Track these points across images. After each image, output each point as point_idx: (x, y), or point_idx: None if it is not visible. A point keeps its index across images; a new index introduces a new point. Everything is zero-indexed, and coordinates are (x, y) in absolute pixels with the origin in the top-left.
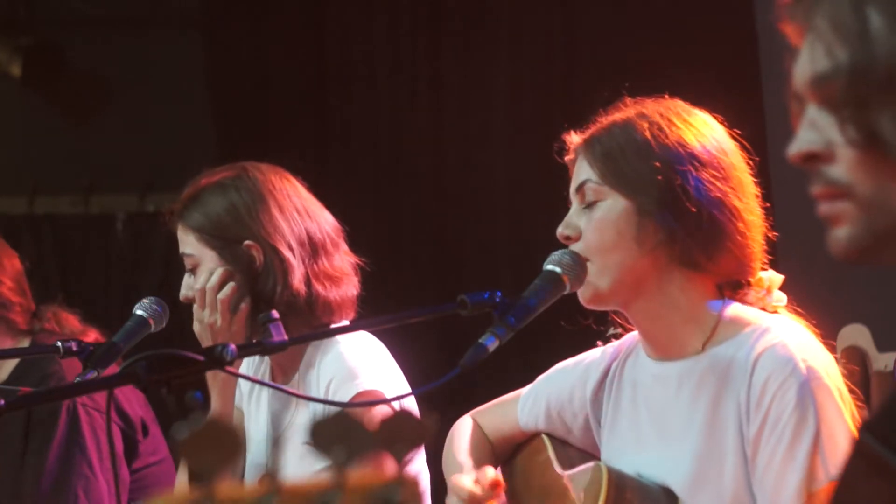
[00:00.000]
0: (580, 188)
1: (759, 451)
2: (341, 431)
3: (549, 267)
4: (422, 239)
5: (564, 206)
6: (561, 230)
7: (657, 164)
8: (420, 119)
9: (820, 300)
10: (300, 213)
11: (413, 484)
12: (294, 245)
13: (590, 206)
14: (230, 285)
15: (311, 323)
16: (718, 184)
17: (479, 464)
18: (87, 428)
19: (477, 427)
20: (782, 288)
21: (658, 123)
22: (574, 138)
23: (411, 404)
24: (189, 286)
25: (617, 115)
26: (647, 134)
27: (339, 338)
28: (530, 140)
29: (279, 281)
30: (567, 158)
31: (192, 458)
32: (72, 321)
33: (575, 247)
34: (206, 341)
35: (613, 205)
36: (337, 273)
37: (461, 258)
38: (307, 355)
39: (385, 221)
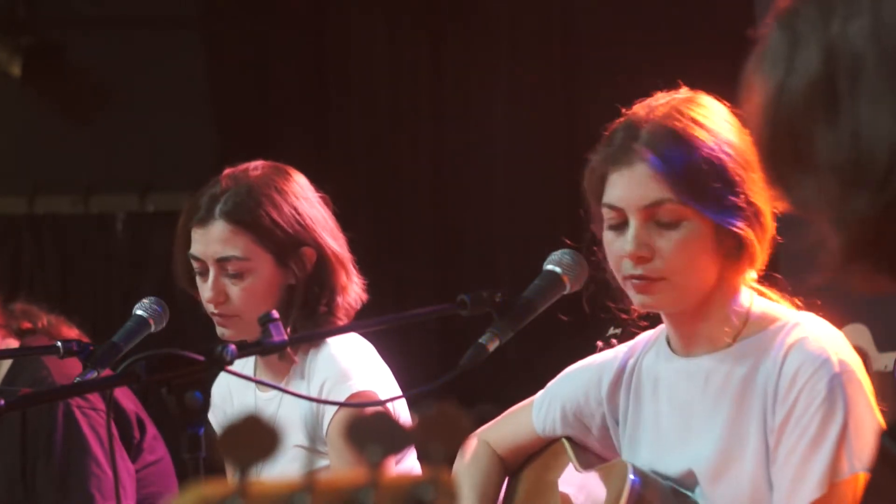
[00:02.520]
0: (654, 206)
1: (782, 440)
2: (378, 430)
3: (549, 267)
4: (422, 239)
5: (563, 206)
6: (635, 250)
7: (728, 179)
8: (420, 119)
9: (820, 300)
10: (335, 221)
11: (447, 483)
12: (346, 252)
13: (667, 225)
14: None
15: (326, 327)
16: (759, 181)
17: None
18: (87, 428)
19: (485, 449)
20: (784, 288)
21: (715, 132)
22: (636, 145)
23: (404, 406)
24: (221, 289)
25: (671, 123)
26: (712, 145)
27: (329, 339)
28: (530, 140)
29: (337, 284)
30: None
31: (230, 453)
32: (36, 311)
33: (649, 266)
34: None
35: (696, 225)
36: (356, 283)
37: (461, 258)
38: (298, 357)
39: (385, 221)
